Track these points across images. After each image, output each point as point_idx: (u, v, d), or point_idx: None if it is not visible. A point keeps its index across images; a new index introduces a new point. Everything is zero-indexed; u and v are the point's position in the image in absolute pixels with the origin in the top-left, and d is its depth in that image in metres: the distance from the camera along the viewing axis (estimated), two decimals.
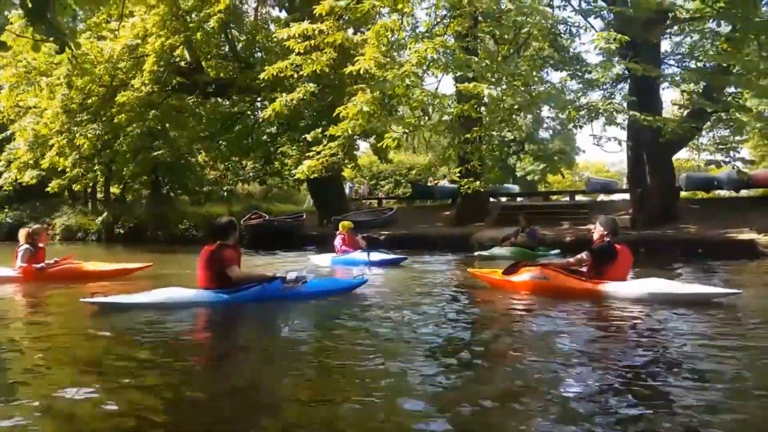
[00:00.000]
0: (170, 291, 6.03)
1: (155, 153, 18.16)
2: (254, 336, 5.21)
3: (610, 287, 6.22)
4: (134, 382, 3.48)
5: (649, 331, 4.93)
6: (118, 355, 4.20)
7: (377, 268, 10.10)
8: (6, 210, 26.35)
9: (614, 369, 3.72)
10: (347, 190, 29.63)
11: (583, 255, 6.50)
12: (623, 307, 5.79)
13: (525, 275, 6.88)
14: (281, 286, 6.17)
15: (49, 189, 19.89)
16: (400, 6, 9.38)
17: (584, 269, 6.55)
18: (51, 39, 2.17)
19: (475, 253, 13.13)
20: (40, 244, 8.77)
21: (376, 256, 10.92)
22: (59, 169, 18.81)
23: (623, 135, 12.49)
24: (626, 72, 11.55)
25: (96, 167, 20.48)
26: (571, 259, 6.75)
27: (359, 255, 11.10)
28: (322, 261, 11.67)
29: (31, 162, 18.78)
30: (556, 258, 11.18)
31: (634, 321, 5.29)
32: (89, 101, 17.29)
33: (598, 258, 6.39)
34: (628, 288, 6.22)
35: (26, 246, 8.54)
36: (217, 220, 6.56)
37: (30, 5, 2.05)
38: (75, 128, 17.26)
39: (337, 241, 11.90)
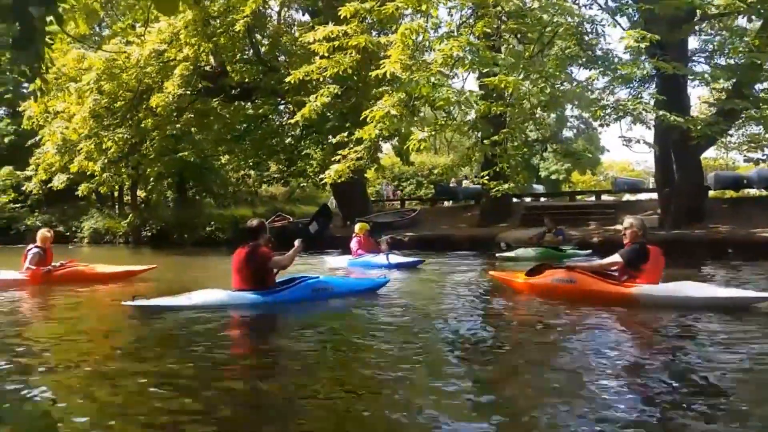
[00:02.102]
0: (208, 293, 6.17)
1: (180, 154, 18.39)
2: (288, 337, 5.24)
3: (640, 290, 5.96)
4: (176, 384, 3.53)
5: (685, 341, 4.65)
6: (155, 356, 4.25)
7: (396, 271, 10.06)
8: (36, 213, 26.86)
9: (645, 382, 3.55)
10: (382, 189, 29.63)
11: (614, 257, 6.32)
12: (655, 313, 5.57)
13: (550, 278, 6.68)
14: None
15: (79, 192, 20.24)
16: (424, 7, 9.35)
17: (614, 272, 6.40)
18: (24, 67, 2.23)
19: (497, 255, 12.97)
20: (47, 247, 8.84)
21: (394, 258, 10.90)
22: (87, 173, 19.12)
23: (650, 133, 12.28)
24: (654, 70, 11.33)
25: (123, 171, 20.81)
26: (603, 261, 6.59)
27: (376, 257, 11.08)
28: (338, 263, 11.66)
29: (59, 166, 19.10)
30: (586, 259, 10.97)
31: (668, 328, 5.08)
32: (116, 105, 17.57)
33: (630, 260, 6.19)
34: (661, 291, 5.98)
35: (36, 249, 8.59)
36: (247, 222, 6.65)
37: (18, 33, 2.08)
38: (103, 132, 17.53)
39: (353, 244, 11.85)
